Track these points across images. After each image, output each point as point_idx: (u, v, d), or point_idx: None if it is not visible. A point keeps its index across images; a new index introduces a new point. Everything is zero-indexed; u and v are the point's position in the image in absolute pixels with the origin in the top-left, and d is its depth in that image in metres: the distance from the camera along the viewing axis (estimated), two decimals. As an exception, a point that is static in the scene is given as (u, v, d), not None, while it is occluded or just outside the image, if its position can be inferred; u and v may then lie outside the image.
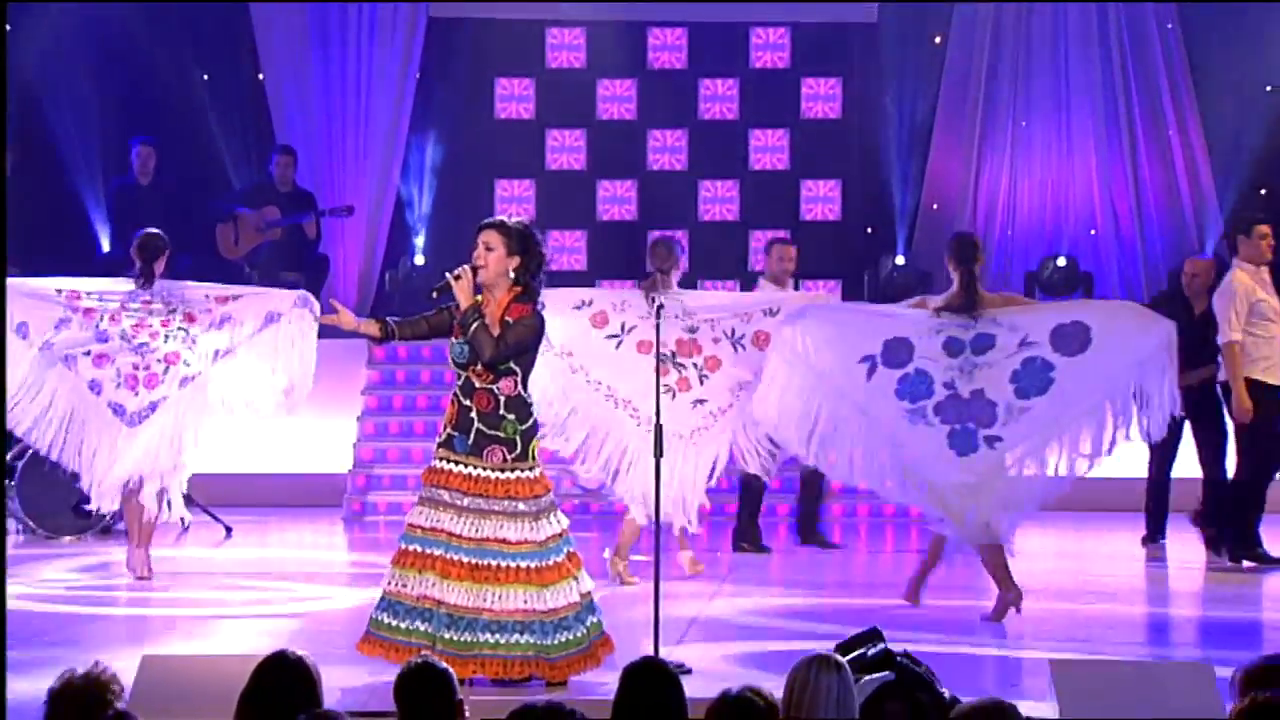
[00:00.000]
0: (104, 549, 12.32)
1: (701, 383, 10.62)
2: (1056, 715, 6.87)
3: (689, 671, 7.78)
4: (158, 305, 11.04)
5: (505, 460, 7.89)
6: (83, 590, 10.92)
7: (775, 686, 5.41)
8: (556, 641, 7.84)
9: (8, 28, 15.43)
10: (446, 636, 7.77)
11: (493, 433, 7.90)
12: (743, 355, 10.64)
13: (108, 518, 12.41)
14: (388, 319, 8.34)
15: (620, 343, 10.53)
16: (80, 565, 11.84)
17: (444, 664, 5.35)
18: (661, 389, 10.62)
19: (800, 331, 9.95)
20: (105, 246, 15.73)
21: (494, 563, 7.82)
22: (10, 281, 11.25)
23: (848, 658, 6.09)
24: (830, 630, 8.29)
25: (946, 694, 6.41)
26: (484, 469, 7.89)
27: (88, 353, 10.94)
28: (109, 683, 5.15)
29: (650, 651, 7.72)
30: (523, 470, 7.93)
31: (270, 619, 9.89)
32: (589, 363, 10.58)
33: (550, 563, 7.90)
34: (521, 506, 7.88)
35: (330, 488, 14.48)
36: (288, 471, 14.52)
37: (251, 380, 10.90)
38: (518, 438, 7.92)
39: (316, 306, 10.63)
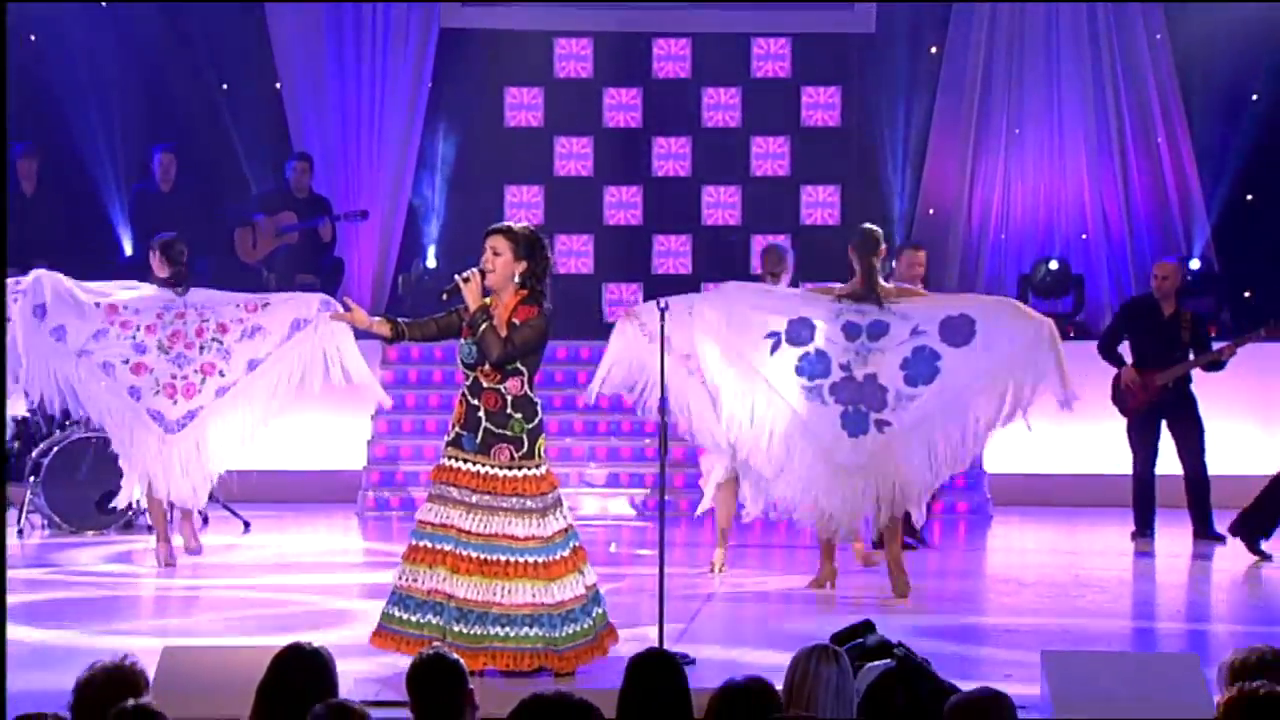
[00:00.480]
0: (127, 540, 12.48)
1: None
2: (1048, 705, 7.02)
3: (693, 662, 7.90)
4: (191, 315, 11.24)
5: (512, 458, 7.95)
6: (107, 578, 11.05)
7: (776, 677, 5.48)
8: (564, 634, 7.91)
9: (33, 37, 15.75)
10: (457, 629, 7.81)
11: (500, 431, 7.96)
12: None
13: (130, 513, 12.53)
14: (398, 319, 8.41)
15: None
16: (105, 554, 11.97)
17: (455, 655, 5.33)
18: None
19: (715, 309, 10.24)
20: (128, 250, 15.81)
21: (502, 558, 7.87)
22: (49, 276, 11.48)
23: (846, 646, 6.24)
24: (831, 624, 8.40)
25: (945, 682, 6.42)
26: (492, 467, 7.94)
27: (125, 361, 11.12)
28: (136, 676, 5.23)
29: (655, 642, 7.87)
30: (530, 468, 7.98)
31: (287, 612, 9.92)
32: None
33: (557, 557, 7.96)
34: (529, 503, 7.93)
35: (345, 484, 14.58)
36: (304, 468, 14.65)
37: (290, 385, 11.15)
38: (524, 436, 7.97)
39: (340, 309, 10.83)
